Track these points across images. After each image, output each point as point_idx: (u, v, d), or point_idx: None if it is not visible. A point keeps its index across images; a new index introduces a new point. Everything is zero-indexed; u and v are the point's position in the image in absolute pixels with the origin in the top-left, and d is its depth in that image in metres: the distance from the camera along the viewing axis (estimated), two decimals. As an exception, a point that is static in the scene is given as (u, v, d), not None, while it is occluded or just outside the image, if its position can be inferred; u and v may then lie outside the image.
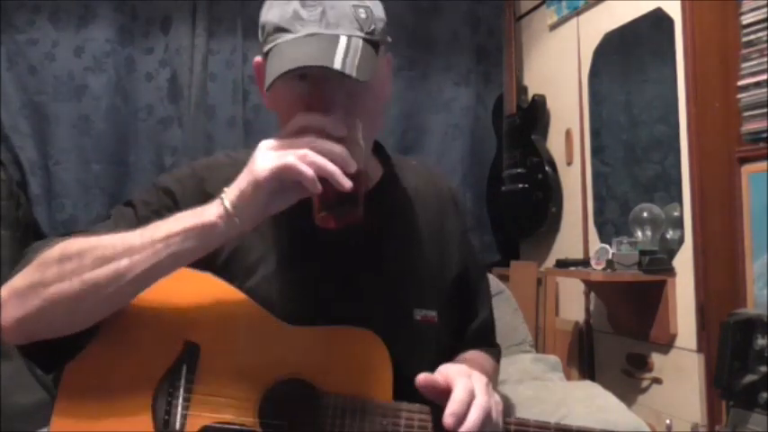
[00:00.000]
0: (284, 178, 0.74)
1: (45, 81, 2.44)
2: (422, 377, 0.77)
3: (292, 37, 0.80)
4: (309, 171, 0.72)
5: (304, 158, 0.73)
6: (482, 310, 1.06)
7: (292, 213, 0.90)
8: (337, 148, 0.74)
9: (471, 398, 0.74)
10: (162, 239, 0.76)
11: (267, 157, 0.75)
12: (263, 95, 0.89)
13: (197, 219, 0.76)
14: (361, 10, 0.81)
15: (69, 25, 2.46)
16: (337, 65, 0.75)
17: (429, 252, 0.98)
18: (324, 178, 0.73)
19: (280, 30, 0.81)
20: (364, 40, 0.80)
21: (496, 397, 0.79)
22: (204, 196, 0.85)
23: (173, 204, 0.90)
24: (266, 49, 0.83)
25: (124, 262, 0.75)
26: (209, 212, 0.76)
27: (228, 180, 0.83)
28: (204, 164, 0.98)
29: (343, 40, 0.78)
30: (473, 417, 0.73)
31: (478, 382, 0.77)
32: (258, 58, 0.89)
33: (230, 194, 0.76)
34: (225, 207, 0.75)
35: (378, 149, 1.01)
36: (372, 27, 0.81)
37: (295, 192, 0.77)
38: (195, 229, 0.76)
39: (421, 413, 0.78)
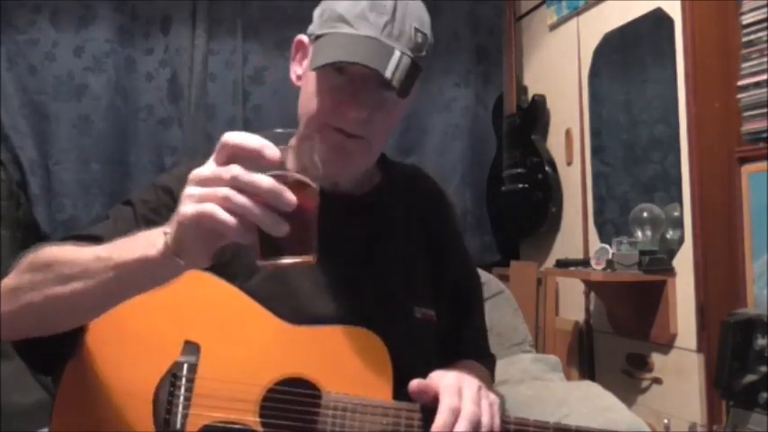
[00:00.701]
0: (206, 227, 0.62)
1: (45, 81, 2.44)
2: (414, 384, 0.77)
3: (353, 32, 0.83)
4: (231, 220, 0.60)
5: (225, 203, 0.60)
6: (474, 316, 1.06)
7: None
8: (265, 183, 0.60)
9: (458, 410, 0.74)
10: (113, 268, 0.70)
11: (188, 199, 0.64)
12: (292, 69, 0.93)
13: (145, 250, 0.68)
14: (420, 35, 0.85)
15: (69, 25, 2.46)
16: (388, 74, 0.79)
17: (427, 253, 0.99)
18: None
19: (342, 20, 0.84)
20: (413, 61, 0.83)
21: (492, 397, 0.79)
22: None
23: (172, 203, 0.87)
24: (321, 32, 0.86)
25: (79, 285, 0.71)
26: (155, 246, 0.67)
27: None
28: (203, 162, 0.96)
29: (396, 55, 0.82)
30: (460, 429, 0.73)
31: (469, 388, 0.77)
32: (302, 36, 0.93)
33: (170, 231, 0.66)
34: (165, 243, 0.66)
35: None
36: (423, 53, 0.85)
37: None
38: (140, 262, 0.68)
39: (422, 413, 0.78)
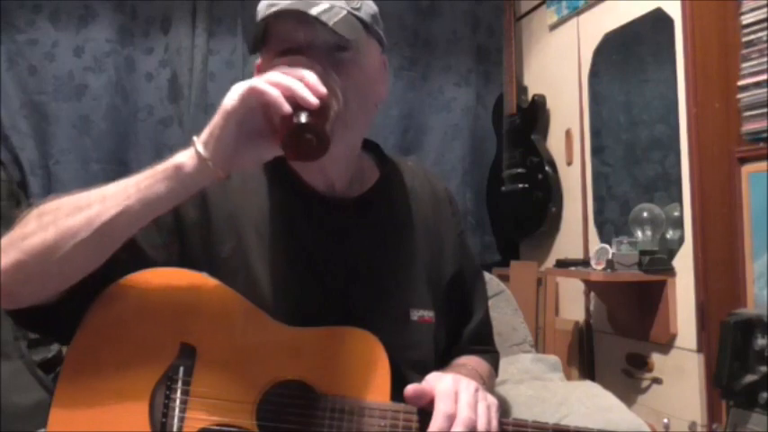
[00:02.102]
0: (252, 104, 0.72)
1: (45, 81, 2.43)
2: (410, 389, 0.76)
3: (274, 8, 0.81)
4: (275, 90, 0.71)
5: (270, 80, 0.72)
6: (477, 313, 1.05)
7: (290, 214, 0.91)
8: (308, 72, 0.73)
9: (453, 416, 0.73)
10: (133, 185, 0.75)
11: (236, 88, 0.73)
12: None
13: (168, 162, 0.75)
14: None
15: (69, 25, 2.46)
16: (314, 11, 0.78)
17: (425, 252, 0.98)
18: (292, 105, 0.71)
19: (265, 5, 0.83)
20: (349, 12, 0.81)
21: (489, 399, 0.78)
22: (200, 194, 0.85)
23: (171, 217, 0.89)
24: (256, 31, 0.84)
25: (96, 208, 0.74)
26: (180, 155, 0.75)
27: (225, 182, 0.83)
28: None
29: (324, 4, 0.79)
30: None
31: (465, 392, 0.76)
32: (258, 61, 0.90)
33: (202, 136, 0.74)
34: (195, 148, 0.73)
35: (374, 150, 1.01)
36: (359, 6, 0.83)
37: (266, 139, 0.75)
38: (165, 171, 0.74)
39: (419, 415, 0.78)
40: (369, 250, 0.93)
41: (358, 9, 0.84)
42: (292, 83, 0.71)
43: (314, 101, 0.71)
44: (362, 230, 0.94)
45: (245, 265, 0.88)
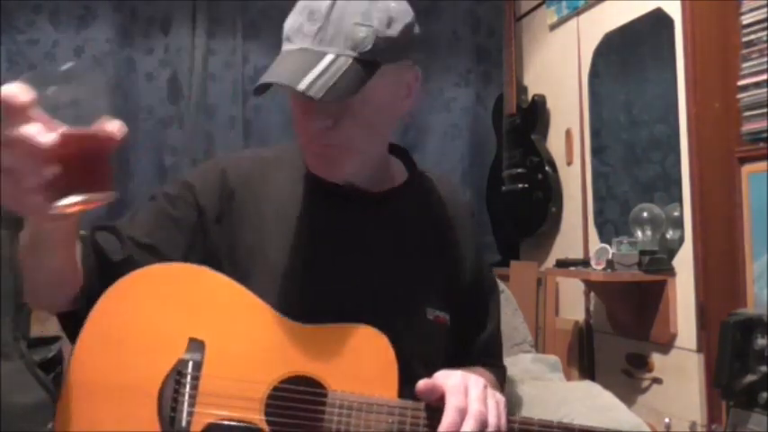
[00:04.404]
0: None
1: (45, 81, 2.44)
2: (422, 384, 0.77)
3: (287, 49, 0.83)
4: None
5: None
6: (489, 325, 1.06)
7: (311, 206, 0.94)
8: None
9: (464, 410, 0.74)
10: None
11: None
12: None
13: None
14: (363, 29, 0.81)
15: (69, 25, 2.47)
16: (302, 85, 0.77)
17: (445, 257, 0.99)
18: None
19: (286, 38, 0.84)
20: (356, 59, 0.81)
21: (498, 396, 0.79)
22: (224, 187, 0.93)
23: (191, 197, 0.93)
24: (259, 84, 0.85)
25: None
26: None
27: (249, 174, 0.93)
28: (231, 157, 1.02)
29: (327, 59, 0.80)
30: (467, 429, 0.73)
31: (475, 387, 0.77)
32: None
33: None
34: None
35: (403, 154, 1.04)
36: (369, 47, 0.81)
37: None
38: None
39: (427, 412, 0.78)
40: (387, 245, 0.95)
41: (370, 51, 0.81)
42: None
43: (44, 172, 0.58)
44: (382, 225, 0.95)
45: (263, 255, 0.90)
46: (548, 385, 1.36)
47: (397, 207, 0.97)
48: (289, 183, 0.96)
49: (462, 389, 0.76)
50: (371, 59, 0.82)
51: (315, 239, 0.92)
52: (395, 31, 0.83)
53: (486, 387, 0.78)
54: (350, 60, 0.80)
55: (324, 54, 0.80)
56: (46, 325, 2.47)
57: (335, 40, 0.81)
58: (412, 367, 0.84)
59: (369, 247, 0.93)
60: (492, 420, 0.75)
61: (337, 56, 0.80)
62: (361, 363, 0.82)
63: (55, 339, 2.31)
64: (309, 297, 0.87)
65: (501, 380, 1.06)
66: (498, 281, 1.74)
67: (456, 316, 0.97)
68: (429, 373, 0.81)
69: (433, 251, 0.98)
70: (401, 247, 0.96)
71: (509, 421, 0.78)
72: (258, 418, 0.79)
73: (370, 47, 0.81)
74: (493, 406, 0.76)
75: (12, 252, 2.08)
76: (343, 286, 0.89)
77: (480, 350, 1.04)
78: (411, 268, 0.95)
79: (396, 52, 0.85)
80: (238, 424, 0.78)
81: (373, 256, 0.93)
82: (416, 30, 0.88)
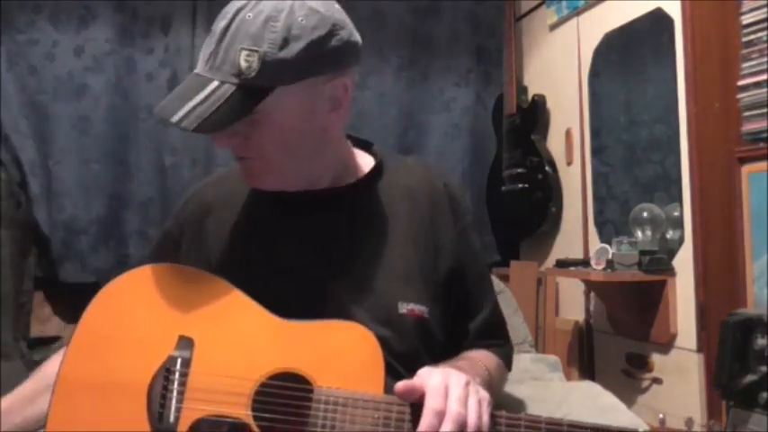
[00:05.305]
0: None
1: (45, 81, 2.44)
2: (400, 385, 0.76)
3: (191, 74, 0.86)
4: None
5: None
6: (484, 307, 1.04)
7: (265, 220, 0.96)
8: None
9: (443, 412, 0.73)
10: None
11: None
12: None
13: None
14: (248, 54, 0.80)
15: (69, 25, 2.47)
16: (176, 117, 0.80)
17: (418, 247, 0.97)
18: None
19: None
20: (239, 86, 0.80)
21: (481, 393, 0.77)
22: (204, 207, 1.00)
23: (198, 211, 1.01)
24: None
25: None
26: None
27: (231, 193, 0.98)
28: (219, 175, 1.08)
29: (210, 87, 0.81)
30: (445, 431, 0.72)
31: (455, 387, 0.75)
32: None
33: None
34: None
35: (368, 147, 1.04)
36: (253, 74, 0.80)
37: None
38: None
39: (412, 407, 0.78)
40: (353, 241, 0.95)
41: (282, 48, 0.80)
42: None
43: None
44: (346, 221, 0.96)
45: (230, 271, 0.90)
46: (548, 385, 1.36)
47: (362, 201, 0.97)
48: (247, 197, 0.99)
49: (442, 390, 0.75)
50: (258, 85, 0.81)
51: (275, 248, 0.94)
52: (291, 52, 0.81)
53: (467, 385, 0.76)
54: (232, 88, 0.80)
55: (209, 81, 0.82)
56: (46, 325, 2.48)
57: (222, 67, 0.81)
58: (392, 363, 0.84)
59: (330, 247, 0.93)
60: (472, 421, 0.73)
61: (221, 83, 0.81)
62: (347, 359, 0.82)
63: (55, 339, 2.31)
64: (276, 306, 0.86)
65: (506, 360, 1.05)
66: (498, 281, 1.75)
67: (441, 304, 0.96)
68: (406, 368, 0.82)
69: (405, 243, 0.97)
70: (368, 242, 0.95)
71: (495, 417, 0.78)
72: (245, 413, 0.79)
73: (254, 74, 0.80)
74: (474, 406, 0.75)
75: (12, 252, 2.08)
76: (308, 291, 0.90)
77: (480, 332, 1.03)
78: (378, 263, 0.94)
79: (297, 72, 0.82)
80: (226, 419, 0.79)
81: (336, 256, 0.93)
82: (339, 41, 0.85)
